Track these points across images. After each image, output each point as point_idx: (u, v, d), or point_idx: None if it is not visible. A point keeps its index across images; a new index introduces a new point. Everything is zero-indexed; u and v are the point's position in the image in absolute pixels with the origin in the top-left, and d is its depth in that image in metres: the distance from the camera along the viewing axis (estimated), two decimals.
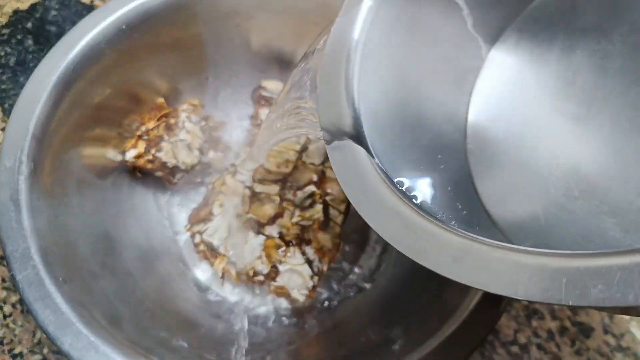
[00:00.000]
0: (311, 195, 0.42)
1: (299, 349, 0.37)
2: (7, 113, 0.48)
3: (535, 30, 0.28)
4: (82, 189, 0.37)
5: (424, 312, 0.34)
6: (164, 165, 0.41)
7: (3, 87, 0.49)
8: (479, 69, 0.30)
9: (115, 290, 0.35)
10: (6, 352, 0.39)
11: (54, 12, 0.53)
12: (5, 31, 0.52)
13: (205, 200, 0.43)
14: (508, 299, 0.31)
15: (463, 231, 0.19)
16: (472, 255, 0.18)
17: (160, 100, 0.43)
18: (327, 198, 0.42)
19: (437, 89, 0.29)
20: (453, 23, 0.29)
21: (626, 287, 0.15)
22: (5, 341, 0.39)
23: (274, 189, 0.42)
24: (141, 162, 0.41)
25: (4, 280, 0.41)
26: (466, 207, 0.27)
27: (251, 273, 0.39)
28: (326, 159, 0.44)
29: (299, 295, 0.39)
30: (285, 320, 0.40)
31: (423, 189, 0.26)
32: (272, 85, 0.46)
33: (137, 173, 0.42)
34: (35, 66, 0.50)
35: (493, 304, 0.31)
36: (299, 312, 0.40)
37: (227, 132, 0.46)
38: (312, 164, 0.43)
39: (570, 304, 0.16)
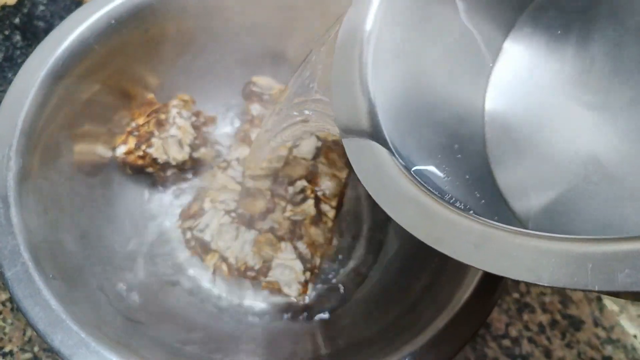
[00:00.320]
0: (303, 190, 0.42)
1: (293, 343, 0.37)
2: None
3: (551, 19, 0.28)
4: (71, 186, 0.37)
5: (416, 307, 0.34)
6: (154, 161, 0.41)
7: None
8: (494, 58, 0.30)
9: (105, 287, 0.34)
10: None
11: (42, 7, 0.53)
12: None
13: (196, 196, 0.42)
14: (499, 293, 0.31)
15: (483, 219, 0.19)
16: (493, 242, 0.18)
17: (151, 95, 0.43)
18: (319, 193, 0.42)
19: (453, 79, 0.29)
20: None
21: None
22: None
23: (266, 184, 0.42)
24: (131, 158, 0.41)
25: None
26: (484, 196, 0.27)
27: (243, 268, 0.39)
28: (317, 154, 0.44)
29: (291, 291, 0.39)
30: (277, 316, 0.40)
31: (441, 179, 0.26)
32: (263, 81, 0.45)
33: (128, 169, 0.42)
34: (23, 62, 0.50)
35: (484, 298, 0.31)
36: (291, 307, 0.40)
37: (218, 127, 0.46)
38: (304, 159, 0.43)
39: (597, 289, 0.15)
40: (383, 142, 0.24)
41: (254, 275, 0.39)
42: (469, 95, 0.30)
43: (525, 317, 0.42)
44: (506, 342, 0.41)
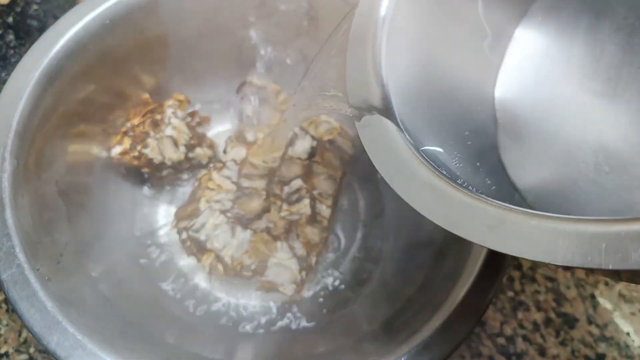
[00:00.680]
0: (298, 190, 0.42)
1: (288, 343, 0.38)
2: None
3: (561, 7, 0.29)
4: (67, 186, 0.37)
5: (411, 306, 0.35)
6: (150, 161, 0.41)
7: None
8: (506, 46, 0.30)
9: (101, 287, 0.34)
10: None
11: (35, 7, 0.53)
12: None
13: (192, 196, 0.42)
14: (494, 292, 0.32)
15: (497, 201, 0.19)
16: (508, 224, 0.19)
17: (146, 95, 0.43)
18: (314, 192, 0.42)
19: (464, 65, 0.30)
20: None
21: None
22: None
23: (261, 183, 0.42)
24: (127, 158, 0.41)
25: None
26: (495, 182, 0.27)
27: (239, 268, 0.39)
28: (312, 153, 0.44)
29: (288, 290, 0.39)
30: (272, 315, 0.40)
31: (453, 164, 0.26)
32: (258, 81, 0.45)
33: (123, 170, 0.42)
34: (16, 61, 0.49)
35: (479, 297, 0.31)
36: (287, 306, 0.40)
37: (213, 127, 0.46)
38: (299, 158, 0.43)
39: (611, 267, 0.16)
40: (396, 124, 0.24)
41: (250, 275, 0.39)
42: (480, 81, 0.30)
43: (520, 315, 0.43)
44: (501, 340, 0.42)
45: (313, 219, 0.41)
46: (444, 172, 0.22)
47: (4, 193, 0.31)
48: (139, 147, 0.41)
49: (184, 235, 0.40)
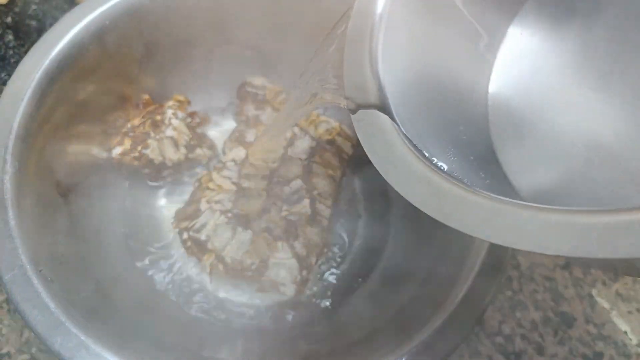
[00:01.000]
0: (298, 190, 0.42)
1: (289, 342, 0.38)
2: None
3: (555, 5, 0.29)
4: (68, 187, 0.37)
5: (412, 305, 0.35)
6: (150, 162, 0.41)
7: None
8: (499, 43, 0.31)
9: (102, 288, 0.35)
10: None
11: (34, 6, 0.52)
12: None
13: (192, 196, 0.43)
14: (495, 291, 0.32)
15: (491, 194, 0.20)
16: (502, 216, 0.19)
17: (146, 96, 0.43)
18: (314, 192, 0.42)
19: (459, 62, 0.30)
20: None
21: None
22: None
23: (261, 184, 0.42)
24: (127, 159, 0.41)
25: None
26: (489, 176, 0.27)
27: (240, 268, 0.39)
28: (312, 154, 0.44)
29: (288, 290, 0.39)
30: (273, 315, 0.40)
31: (446, 158, 0.26)
32: (257, 82, 0.46)
33: (123, 170, 0.42)
34: (16, 62, 0.50)
35: (479, 296, 0.32)
36: (287, 306, 0.40)
37: (213, 128, 0.46)
38: (299, 158, 0.43)
39: (600, 256, 0.16)
40: (391, 119, 0.24)
41: (251, 275, 0.40)
42: (474, 78, 0.30)
43: (518, 314, 0.43)
44: (499, 340, 0.42)
45: (313, 219, 0.41)
46: (439, 166, 0.23)
47: (5, 194, 0.31)
48: (139, 148, 0.41)
49: (185, 235, 0.41)
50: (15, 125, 0.33)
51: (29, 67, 0.35)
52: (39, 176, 0.34)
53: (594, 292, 0.44)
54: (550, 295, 0.44)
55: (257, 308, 0.40)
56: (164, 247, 0.42)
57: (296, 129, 0.44)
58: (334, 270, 0.42)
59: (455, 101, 0.30)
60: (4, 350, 0.39)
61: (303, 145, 0.44)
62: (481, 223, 0.19)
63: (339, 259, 0.43)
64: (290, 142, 0.44)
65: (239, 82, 0.46)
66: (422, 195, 0.21)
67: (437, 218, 0.21)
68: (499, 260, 0.32)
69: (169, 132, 0.42)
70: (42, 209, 0.34)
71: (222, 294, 0.41)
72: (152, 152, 0.41)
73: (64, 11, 0.52)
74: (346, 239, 0.44)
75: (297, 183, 0.42)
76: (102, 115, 0.41)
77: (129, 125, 0.42)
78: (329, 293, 0.41)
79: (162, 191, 0.44)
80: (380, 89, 0.25)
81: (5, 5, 0.52)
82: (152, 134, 0.42)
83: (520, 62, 0.30)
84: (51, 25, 0.37)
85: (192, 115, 0.44)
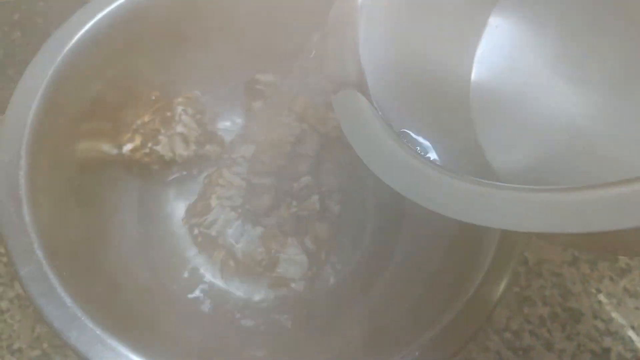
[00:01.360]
0: (307, 186, 0.42)
1: (300, 339, 0.38)
2: None
3: None
4: (79, 183, 0.37)
5: (421, 301, 0.35)
6: (160, 158, 0.41)
7: None
8: (480, 32, 0.31)
9: (117, 283, 0.35)
10: (5, 347, 0.39)
11: (41, 3, 0.53)
12: None
13: (202, 192, 0.43)
14: (504, 290, 0.32)
15: (469, 177, 0.20)
16: (480, 197, 0.20)
17: (156, 93, 0.43)
18: (323, 189, 0.43)
19: (441, 50, 0.31)
20: None
21: (623, 212, 0.16)
22: (3, 336, 0.39)
23: (270, 180, 0.43)
24: (138, 155, 0.41)
25: (0, 276, 0.41)
26: (471, 162, 0.28)
27: (250, 264, 0.40)
28: (321, 150, 0.44)
29: (298, 286, 0.39)
30: (284, 310, 0.40)
31: (428, 145, 0.27)
32: (266, 78, 0.46)
33: (134, 166, 0.42)
34: (23, 59, 0.50)
35: (489, 293, 0.32)
36: (298, 302, 0.40)
37: (222, 124, 0.46)
38: (308, 155, 0.44)
39: (571, 231, 0.17)
40: (370, 102, 0.25)
41: (261, 271, 0.40)
42: (457, 66, 0.31)
43: (526, 310, 0.43)
44: (508, 335, 0.42)
45: (322, 215, 0.42)
46: (418, 150, 0.23)
47: (20, 190, 0.31)
48: (150, 144, 0.41)
49: (196, 231, 0.41)
50: (29, 121, 0.33)
51: (41, 65, 0.35)
52: (52, 172, 0.35)
53: (601, 287, 0.44)
54: (558, 291, 0.44)
55: (268, 304, 0.40)
56: (175, 243, 0.42)
57: (305, 126, 0.44)
58: (343, 266, 0.42)
59: (438, 89, 0.30)
60: (16, 346, 0.39)
61: (312, 141, 0.44)
62: (460, 204, 0.20)
63: (348, 255, 0.43)
64: (299, 139, 0.44)
65: (247, 79, 0.46)
66: (403, 180, 0.22)
67: (418, 202, 0.21)
68: (509, 257, 0.33)
69: (179, 128, 0.42)
70: (55, 204, 0.34)
71: (232, 290, 0.41)
72: (162, 148, 0.41)
73: (70, 9, 0.52)
74: (355, 235, 0.44)
75: (306, 179, 0.42)
76: (112, 112, 0.41)
77: (139, 121, 0.42)
78: (337, 289, 0.42)
79: (172, 187, 0.44)
80: (360, 70, 0.26)
81: (12, 2, 0.53)
82: (163, 131, 0.42)
83: (501, 51, 0.31)
84: (58, 23, 0.37)
85: (201, 111, 0.44)
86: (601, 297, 0.44)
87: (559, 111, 0.27)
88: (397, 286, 0.39)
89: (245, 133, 0.45)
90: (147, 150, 0.41)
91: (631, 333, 0.43)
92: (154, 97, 0.43)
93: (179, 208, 0.43)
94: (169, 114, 0.42)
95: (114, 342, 0.29)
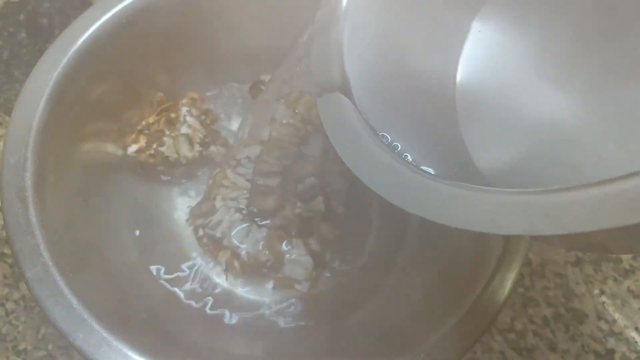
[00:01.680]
0: (312, 187, 0.42)
1: (305, 340, 0.38)
2: (2, 107, 0.48)
3: (515, 2, 0.30)
4: (85, 184, 0.37)
5: (427, 303, 0.35)
6: (165, 159, 0.41)
7: None
8: (465, 36, 0.31)
9: (124, 284, 0.35)
10: (10, 348, 0.39)
11: (46, 4, 0.53)
12: None
13: (207, 194, 0.43)
14: (510, 290, 0.32)
15: (449, 180, 0.21)
16: (459, 199, 0.20)
17: (160, 94, 0.43)
18: (328, 190, 0.43)
19: (426, 54, 0.31)
20: None
21: (596, 214, 0.16)
22: (9, 338, 0.39)
23: (275, 181, 0.43)
24: (143, 156, 0.41)
25: (5, 277, 0.41)
26: (456, 165, 0.28)
27: (255, 265, 0.40)
28: (325, 151, 0.44)
29: (303, 287, 0.40)
30: (289, 311, 0.40)
31: (413, 148, 0.27)
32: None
33: (139, 168, 0.42)
34: (29, 60, 0.50)
35: (495, 294, 0.32)
36: (303, 303, 0.41)
37: (227, 125, 0.46)
38: (312, 156, 0.44)
39: (547, 233, 0.17)
40: (354, 105, 0.25)
41: (266, 272, 0.40)
42: (441, 69, 0.31)
43: (530, 311, 0.43)
44: (511, 336, 0.42)
45: (327, 216, 0.42)
46: (400, 154, 0.24)
47: (27, 192, 0.31)
48: (154, 145, 0.41)
49: (200, 232, 0.41)
50: (35, 123, 0.33)
51: (47, 66, 0.35)
52: (58, 174, 0.35)
53: (604, 288, 0.44)
54: (562, 291, 0.44)
55: (273, 304, 0.40)
56: (180, 244, 0.42)
57: (310, 127, 0.44)
58: (347, 267, 0.43)
59: (424, 92, 0.30)
60: (21, 347, 0.39)
61: (316, 142, 0.44)
62: (440, 207, 0.20)
63: (353, 256, 0.43)
64: (304, 140, 0.44)
65: (252, 80, 0.46)
66: (385, 183, 0.22)
67: (397, 204, 0.21)
68: (514, 258, 0.33)
69: (184, 129, 0.42)
70: (61, 206, 0.34)
71: (237, 290, 0.41)
72: (167, 149, 0.41)
73: (76, 9, 0.53)
74: (360, 236, 0.44)
75: (311, 180, 0.42)
76: (117, 113, 0.41)
77: (143, 122, 0.42)
78: (342, 290, 0.42)
79: (177, 188, 0.44)
80: (344, 73, 0.26)
81: (18, 3, 0.53)
82: (167, 132, 0.42)
83: (485, 53, 0.31)
84: (64, 23, 0.37)
85: (206, 112, 0.44)
86: (605, 298, 0.44)
87: (541, 111, 0.28)
88: (403, 288, 0.39)
89: (249, 134, 0.45)
90: (151, 151, 0.41)
91: (635, 334, 0.43)
92: (158, 99, 0.43)
93: (183, 209, 0.43)
94: (173, 115, 0.42)
95: (120, 344, 0.29)
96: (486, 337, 0.42)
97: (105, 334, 0.29)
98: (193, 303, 0.39)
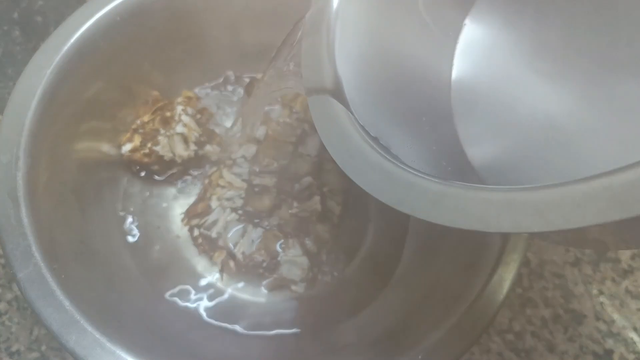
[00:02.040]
0: (308, 186, 0.42)
1: (302, 341, 0.38)
2: None
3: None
4: (79, 184, 0.37)
5: (425, 304, 0.35)
6: (160, 158, 0.41)
7: None
8: (458, 33, 0.32)
9: (114, 286, 0.34)
10: (3, 349, 0.39)
11: (40, 2, 0.52)
12: None
13: (202, 193, 0.42)
14: (508, 291, 0.32)
15: (438, 179, 0.21)
16: (448, 198, 0.20)
17: (155, 92, 0.43)
18: (325, 189, 0.42)
19: (418, 53, 0.31)
20: None
21: (583, 210, 0.16)
22: (1, 339, 0.39)
23: (271, 181, 0.42)
24: (137, 155, 0.41)
25: None
26: (451, 164, 0.28)
27: (250, 265, 0.39)
28: (322, 150, 0.44)
29: (299, 288, 0.39)
30: (285, 312, 0.40)
31: (407, 148, 0.27)
32: (267, 79, 0.45)
33: (133, 167, 0.42)
34: (23, 58, 0.50)
35: (494, 294, 0.32)
36: (299, 303, 0.40)
37: (222, 125, 0.46)
38: (309, 155, 0.43)
39: (536, 230, 0.17)
40: (346, 107, 0.25)
41: (262, 272, 0.40)
42: (435, 68, 0.31)
43: (528, 311, 0.43)
44: (510, 337, 0.42)
45: (324, 216, 0.41)
46: (391, 153, 0.23)
47: (19, 192, 0.31)
48: (149, 144, 0.41)
49: (196, 232, 0.41)
50: (27, 122, 0.33)
51: (40, 64, 0.35)
52: (51, 173, 0.34)
53: (603, 289, 0.44)
54: (560, 292, 0.44)
55: (270, 305, 0.40)
56: (175, 244, 0.42)
57: (306, 126, 0.44)
58: (344, 267, 0.42)
59: (418, 92, 0.31)
60: (14, 348, 0.39)
61: (313, 142, 0.43)
62: (430, 206, 0.20)
63: (350, 256, 0.43)
64: (301, 139, 0.43)
65: (247, 79, 0.46)
66: (375, 182, 0.22)
67: (389, 204, 0.21)
68: (512, 259, 0.32)
69: (179, 128, 0.42)
70: (54, 206, 0.34)
71: (232, 290, 0.40)
72: (162, 148, 0.41)
73: (70, 7, 0.52)
74: (357, 236, 0.43)
75: (308, 180, 0.42)
76: (111, 112, 0.41)
77: (138, 121, 0.42)
78: (339, 290, 0.41)
79: (172, 188, 0.44)
80: (336, 76, 0.26)
81: (11, 1, 0.52)
82: (162, 131, 0.41)
83: (480, 50, 0.31)
84: (57, 21, 0.37)
85: (201, 111, 0.44)
86: (603, 298, 0.44)
87: (535, 107, 0.28)
88: (400, 288, 0.39)
89: (245, 133, 0.44)
90: (146, 151, 0.41)
91: (633, 334, 0.42)
92: (153, 97, 0.43)
93: (179, 209, 0.43)
94: (168, 114, 0.42)
95: (113, 346, 0.28)
96: (484, 338, 0.42)
97: (98, 336, 0.28)
98: (188, 304, 0.39)
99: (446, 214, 0.20)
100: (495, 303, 0.32)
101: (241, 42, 0.44)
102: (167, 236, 0.42)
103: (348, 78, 0.26)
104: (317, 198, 0.42)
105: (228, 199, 0.41)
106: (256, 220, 0.41)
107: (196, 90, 0.45)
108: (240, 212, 0.41)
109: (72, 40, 0.36)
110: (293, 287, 0.39)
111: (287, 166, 0.43)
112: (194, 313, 0.38)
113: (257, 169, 0.42)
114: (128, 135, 0.41)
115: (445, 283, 0.35)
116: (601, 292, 0.44)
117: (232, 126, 0.44)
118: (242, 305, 0.40)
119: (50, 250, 0.31)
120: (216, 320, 0.38)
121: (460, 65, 0.31)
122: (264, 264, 0.40)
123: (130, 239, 0.40)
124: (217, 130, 0.45)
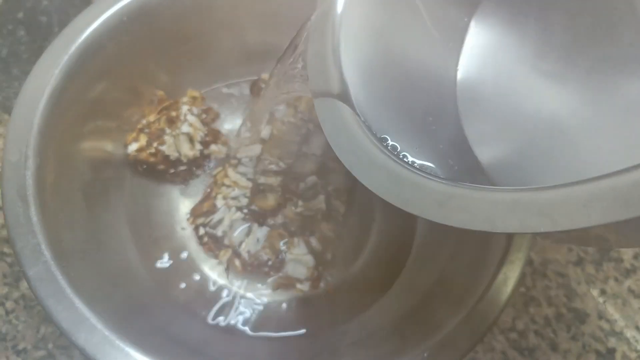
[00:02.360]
0: (313, 186, 0.42)
1: (306, 339, 0.38)
2: (1, 106, 0.47)
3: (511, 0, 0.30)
4: (86, 183, 0.37)
5: (430, 302, 0.35)
6: (166, 158, 0.41)
7: None
8: (463, 34, 0.32)
9: (122, 284, 0.35)
10: (10, 348, 0.39)
11: (45, 2, 0.52)
12: None
13: (208, 192, 0.43)
14: (513, 290, 0.32)
15: (446, 180, 0.21)
16: (455, 198, 0.20)
17: (161, 92, 0.43)
18: (329, 188, 0.43)
19: (424, 54, 0.31)
20: None
21: (588, 210, 0.17)
22: (8, 337, 0.39)
23: (276, 180, 0.42)
24: (143, 155, 0.41)
25: (4, 276, 0.41)
26: (458, 163, 0.28)
27: (256, 264, 0.40)
28: (327, 149, 0.44)
29: (304, 286, 0.39)
30: (290, 310, 0.40)
31: (414, 148, 0.27)
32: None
33: (139, 166, 0.42)
34: (28, 58, 0.50)
35: (498, 293, 0.32)
36: (304, 301, 0.40)
37: (228, 124, 0.46)
38: (314, 154, 0.44)
39: (542, 230, 0.17)
40: (352, 109, 0.25)
41: (267, 271, 0.40)
42: (441, 69, 0.31)
43: (532, 310, 0.43)
44: (513, 335, 0.42)
45: (328, 214, 0.42)
46: (398, 154, 0.24)
47: (28, 191, 0.31)
48: (155, 144, 0.41)
49: (201, 231, 0.41)
50: (36, 121, 0.33)
51: (47, 64, 0.35)
52: (59, 172, 0.34)
53: (606, 288, 0.44)
54: (563, 291, 0.44)
55: (275, 303, 0.40)
56: (180, 243, 0.42)
57: (311, 126, 0.44)
58: (349, 265, 0.42)
59: (424, 92, 0.31)
60: (21, 347, 0.39)
61: (318, 141, 0.44)
62: (436, 207, 0.20)
63: (355, 255, 0.43)
64: (305, 139, 0.44)
65: (253, 79, 0.46)
66: (382, 183, 0.22)
67: (396, 204, 0.22)
68: (517, 258, 0.33)
69: (185, 128, 0.42)
70: (62, 204, 0.34)
71: (238, 289, 0.41)
72: (168, 148, 0.41)
73: (75, 7, 0.52)
74: (362, 234, 0.44)
75: (312, 179, 0.42)
76: (118, 112, 0.41)
77: (144, 121, 0.42)
78: (344, 289, 0.41)
79: (177, 187, 0.44)
80: (342, 79, 0.26)
81: (16, 0, 0.52)
82: (168, 130, 0.42)
83: (485, 52, 0.31)
84: (62, 21, 0.37)
85: (206, 111, 0.44)
86: (606, 297, 0.44)
87: (540, 106, 0.28)
88: (405, 287, 0.39)
89: (250, 133, 0.45)
90: (152, 150, 0.41)
91: (636, 333, 0.43)
92: (159, 97, 0.43)
93: (184, 208, 0.43)
94: (174, 113, 0.42)
95: (122, 343, 0.28)
96: (488, 336, 0.42)
97: (107, 333, 0.29)
98: (195, 303, 0.39)
99: (452, 215, 0.20)
100: (500, 302, 0.32)
101: (248, 42, 0.44)
102: (173, 235, 0.42)
103: (354, 80, 0.26)
104: (322, 197, 0.42)
105: (233, 198, 0.41)
106: (261, 219, 0.41)
107: (202, 89, 0.45)
108: (245, 211, 0.41)
109: (79, 40, 0.36)
110: (298, 286, 0.39)
111: (292, 165, 0.43)
112: (201, 311, 0.39)
113: (262, 168, 0.42)
114: (134, 134, 0.41)
115: (450, 281, 0.35)
116: (604, 291, 0.44)
117: (240, 127, 0.44)
118: (247, 304, 0.40)
119: (59, 248, 0.31)
120: (223, 318, 0.39)
121: (466, 66, 0.32)
122: (270, 263, 0.40)
123: (137, 237, 0.40)
124: (222, 129, 0.45)
